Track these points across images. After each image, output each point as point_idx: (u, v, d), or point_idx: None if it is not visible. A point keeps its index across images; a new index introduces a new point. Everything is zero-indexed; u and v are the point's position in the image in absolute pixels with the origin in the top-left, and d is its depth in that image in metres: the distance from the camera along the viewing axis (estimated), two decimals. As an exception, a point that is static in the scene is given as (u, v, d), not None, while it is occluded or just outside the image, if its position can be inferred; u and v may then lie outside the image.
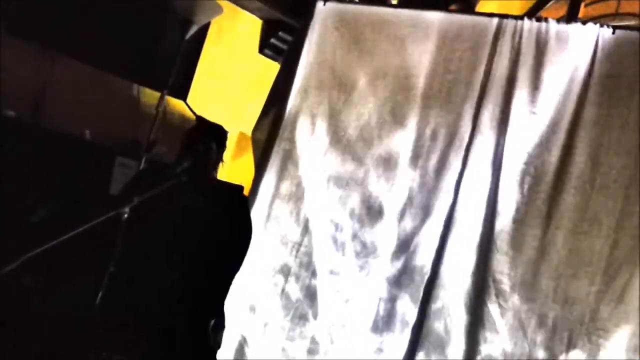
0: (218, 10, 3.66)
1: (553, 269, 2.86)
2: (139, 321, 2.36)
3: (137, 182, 2.59)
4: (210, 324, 2.50)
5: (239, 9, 4.51)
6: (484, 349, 2.92)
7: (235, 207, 2.74)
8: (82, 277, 2.31)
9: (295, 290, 3.39)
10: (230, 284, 2.60)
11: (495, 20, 3.24)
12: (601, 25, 2.99)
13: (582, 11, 4.19)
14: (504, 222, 2.99)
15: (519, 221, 2.97)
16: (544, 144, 3.00)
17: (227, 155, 2.82)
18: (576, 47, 3.03)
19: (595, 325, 2.74)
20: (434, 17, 3.38)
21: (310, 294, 3.34)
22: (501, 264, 2.96)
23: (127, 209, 2.10)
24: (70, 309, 2.28)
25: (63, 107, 3.64)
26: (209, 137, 2.68)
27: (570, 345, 2.78)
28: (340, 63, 3.53)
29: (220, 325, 2.57)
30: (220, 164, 2.77)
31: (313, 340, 3.30)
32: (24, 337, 2.41)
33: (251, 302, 3.41)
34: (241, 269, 2.65)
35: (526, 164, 3.01)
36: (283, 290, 3.39)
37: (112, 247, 2.17)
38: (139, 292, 2.36)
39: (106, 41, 3.66)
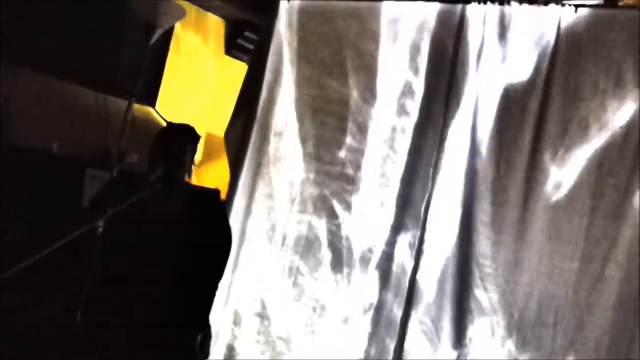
0: (181, 13, 3.61)
1: (535, 248, 2.89)
2: (122, 336, 2.30)
3: (110, 194, 2.52)
4: (196, 336, 2.45)
5: (201, 10, 4.46)
6: (473, 331, 2.94)
7: (213, 213, 2.70)
8: (59, 295, 2.25)
9: (279, 294, 3.37)
10: (213, 293, 2.56)
11: (459, 6, 3.26)
12: (563, 5, 3.02)
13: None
14: (483, 206, 3.01)
15: (498, 203, 2.99)
16: (515, 124, 3.02)
17: (197, 158, 2.77)
18: (540, 28, 3.06)
19: (579, 301, 2.78)
20: (400, 7, 3.39)
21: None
22: (483, 248, 2.98)
23: (101, 223, 2.05)
24: (49, 327, 2.22)
25: (27, 120, 3.55)
26: (181, 141, 2.62)
27: (556, 322, 2.81)
28: (308, 59, 3.52)
29: (207, 337, 2.52)
30: (194, 167, 2.72)
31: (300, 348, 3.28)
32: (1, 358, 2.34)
33: (236, 309, 3.38)
34: (222, 275, 2.61)
35: (500, 145, 3.04)
36: (267, 294, 3.38)
37: (87, 261, 2.11)
38: (119, 307, 2.30)
39: (69, 51, 3.58)
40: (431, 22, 3.31)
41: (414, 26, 3.33)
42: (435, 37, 3.28)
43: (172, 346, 2.41)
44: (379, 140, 3.33)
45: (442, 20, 3.28)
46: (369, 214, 3.31)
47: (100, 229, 2.07)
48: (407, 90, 3.31)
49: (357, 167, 3.35)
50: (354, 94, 3.40)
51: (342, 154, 3.39)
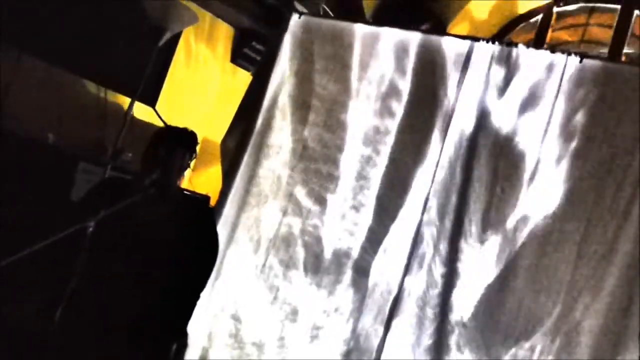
0: (193, 19, 3.62)
1: (518, 290, 2.90)
2: (98, 339, 2.28)
3: (104, 194, 2.50)
4: (172, 344, 2.43)
5: (213, 17, 4.47)
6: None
7: (200, 220, 2.68)
8: (42, 291, 2.22)
9: (255, 298, 3.35)
10: (194, 301, 2.54)
11: (467, 42, 3.29)
12: (569, 54, 3.07)
13: (549, 35, 4.32)
14: (470, 244, 3.03)
15: (486, 242, 3.01)
16: (512, 166, 3.05)
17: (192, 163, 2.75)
18: (544, 73, 3.10)
19: (558, 346, 2.78)
20: (406, 36, 3.42)
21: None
22: (466, 283, 2.99)
23: (92, 223, 2.03)
24: (28, 324, 2.19)
25: (26, 108, 3.52)
26: (177, 143, 2.60)
27: None
28: (313, 77, 3.54)
29: (182, 346, 2.50)
30: (186, 171, 2.70)
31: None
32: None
33: (215, 319, 3.36)
34: (206, 285, 2.60)
35: (493, 185, 3.06)
36: (250, 300, 3.37)
37: (73, 260, 2.09)
38: (99, 309, 2.28)
39: (76, 43, 3.56)
40: (437, 55, 3.34)
41: (420, 55, 3.36)
42: (440, 71, 3.31)
43: (147, 353, 2.38)
44: (361, 140, 3.34)
45: (449, 54, 3.31)
46: (348, 215, 3.30)
47: (91, 229, 2.05)
48: (393, 92, 3.33)
49: (337, 166, 3.35)
50: (340, 93, 3.41)
51: (326, 152, 3.39)
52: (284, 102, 3.56)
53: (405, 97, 3.34)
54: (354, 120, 3.39)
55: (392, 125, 3.32)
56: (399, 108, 3.34)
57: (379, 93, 3.39)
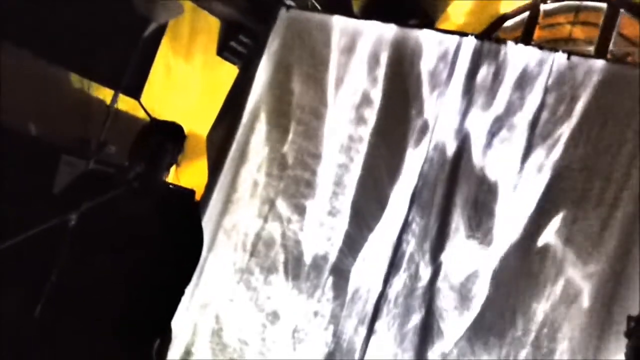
0: (179, 10, 3.58)
1: (501, 292, 2.91)
2: (80, 334, 2.24)
3: (86, 186, 2.45)
4: (155, 339, 2.40)
5: (199, 9, 4.42)
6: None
7: (185, 214, 2.64)
8: (21, 286, 2.17)
9: (246, 303, 3.33)
10: (178, 296, 2.51)
11: (456, 38, 3.29)
12: (556, 51, 3.08)
13: (537, 33, 4.33)
14: (454, 247, 3.03)
15: (470, 246, 3.01)
16: (498, 166, 3.05)
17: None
18: (532, 70, 3.11)
19: (541, 348, 2.80)
20: (394, 30, 3.41)
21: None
22: (448, 296, 2.99)
23: (73, 216, 1.99)
24: (8, 319, 2.14)
25: (8, 98, 3.45)
26: (164, 137, 2.56)
27: None
28: (299, 71, 3.52)
29: (165, 341, 2.47)
30: (174, 166, 2.66)
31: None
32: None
33: (199, 316, 3.33)
34: (190, 280, 2.57)
35: (478, 188, 3.06)
36: (232, 302, 3.34)
37: (54, 254, 2.04)
38: (81, 304, 2.24)
39: (60, 35, 3.49)
40: (425, 50, 3.33)
41: (406, 50, 3.35)
42: (427, 66, 3.30)
43: (130, 347, 2.35)
44: (337, 147, 3.34)
45: (436, 49, 3.30)
46: (325, 221, 3.30)
47: (73, 222, 2.01)
48: (365, 100, 3.33)
49: (315, 172, 3.34)
50: (316, 101, 3.40)
51: (304, 159, 3.38)
52: (265, 107, 3.53)
53: (395, 94, 3.33)
54: (331, 128, 3.38)
55: (366, 132, 3.32)
56: (371, 115, 3.34)
57: (357, 96, 3.39)
